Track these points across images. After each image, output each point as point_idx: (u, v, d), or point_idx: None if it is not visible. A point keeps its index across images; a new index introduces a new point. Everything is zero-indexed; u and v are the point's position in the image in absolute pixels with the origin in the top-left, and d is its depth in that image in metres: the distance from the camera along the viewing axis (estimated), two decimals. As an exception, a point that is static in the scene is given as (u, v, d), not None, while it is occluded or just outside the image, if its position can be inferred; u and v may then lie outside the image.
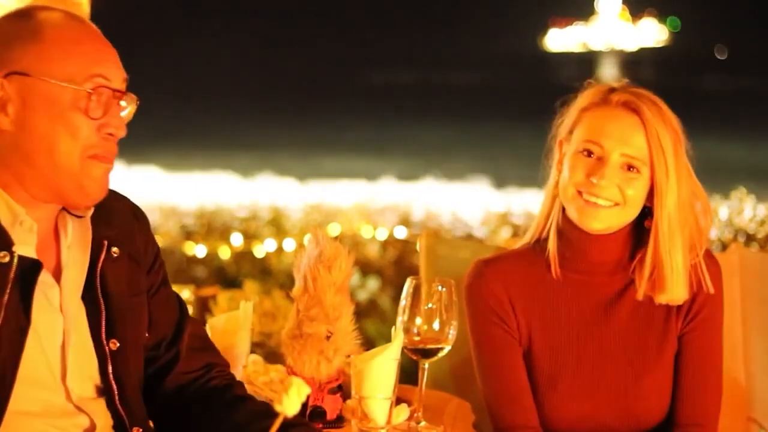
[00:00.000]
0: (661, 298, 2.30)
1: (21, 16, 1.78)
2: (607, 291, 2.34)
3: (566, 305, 2.34)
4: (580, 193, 2.26)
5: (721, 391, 2.35)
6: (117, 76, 1.80)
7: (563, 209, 2.33)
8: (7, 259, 1.72)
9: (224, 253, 6.40)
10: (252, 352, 2.52)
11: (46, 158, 1.75)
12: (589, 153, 2.27)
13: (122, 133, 1.80)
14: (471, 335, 2.37)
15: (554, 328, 2.34)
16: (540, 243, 2.38)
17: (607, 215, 2.26)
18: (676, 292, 2.29)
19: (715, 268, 2.36)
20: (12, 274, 1.72)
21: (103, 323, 1.84)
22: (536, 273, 2.36)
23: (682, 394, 2.33)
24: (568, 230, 2.33)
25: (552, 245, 2.34)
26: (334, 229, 6.44)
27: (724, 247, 4.90)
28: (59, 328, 1.79)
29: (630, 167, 2.25)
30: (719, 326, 2.37)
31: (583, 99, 2.32)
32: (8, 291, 1.71)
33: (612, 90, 2.30)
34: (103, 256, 1.85)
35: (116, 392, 1.84)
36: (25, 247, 1.75)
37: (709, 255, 2.37)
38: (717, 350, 2.36)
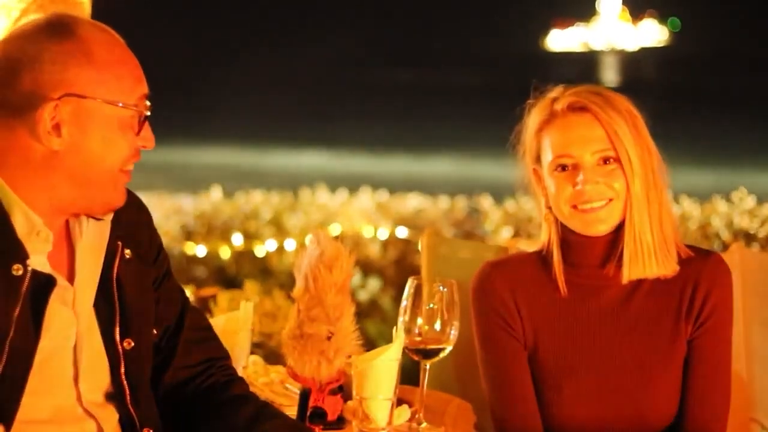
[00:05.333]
0: (632, 274, 2.29)
1: (64, 33, 1.76)
2: (614, 296, 2.33)
3: (572, 310, 2.33)
4: (575, 207, 2.27)
5: (730, 396, 2.34)
6: (147, 92, 1.83)
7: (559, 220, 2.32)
8: (20, 272, 1.72)
9: (224, 253, 6.40)
10: (252, 352, 2.51)
11: (90, 176, 1.77)
12: (564, 167, 2.27)
13: (153, 145, 1.84)
14: (476, 338, 2.37)
15: (560, 333, 2.33)
16: (547, 251, 2.37)
17: (607, 214, 2.26)
18: (647, 268, 2.28)
19: (726, 273, 2.35)
20: (24, 288, 1.72)
21: (118, 323, 1.84)
22: (543, 277, 2.35)
23: (690, 399, 2.32)
24: (568, 236, 2.32)
25: (556, 257, 2.33)
26: (335, 229, 6.43)
27: (726, 247, 4.90)
28: (72, 330, 1.79)
29: (605, 161, 2.26)
30: (729, 331, 2.36)
31: (532, 121, 2.33)
32: (20, 304, 1.71)
33: (554, 100, 2.30)
34: (118, 259, 1.85)
35: (128, 392, 1.85)
36: (39, 257, 1.75)
37: (719, 260, 2.36)
38: (726, 355, 2.35)
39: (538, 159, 2.33)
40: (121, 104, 1.77)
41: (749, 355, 2.68)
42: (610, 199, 2.26)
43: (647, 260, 2.27)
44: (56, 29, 1.76)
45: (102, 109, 1.76)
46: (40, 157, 1.75)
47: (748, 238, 5.28)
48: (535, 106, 2.33)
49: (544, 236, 2.36)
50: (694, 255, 2.34)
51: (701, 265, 2.33)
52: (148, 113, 1.82)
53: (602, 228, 2.28)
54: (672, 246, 2.30)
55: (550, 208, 2.33)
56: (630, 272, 2.29)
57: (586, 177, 2.25)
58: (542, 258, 2.37)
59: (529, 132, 2.33)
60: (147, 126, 1.82)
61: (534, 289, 2.35)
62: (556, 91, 2.32)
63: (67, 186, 1.77)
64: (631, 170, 2.25)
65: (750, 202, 5.45)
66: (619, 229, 2.29)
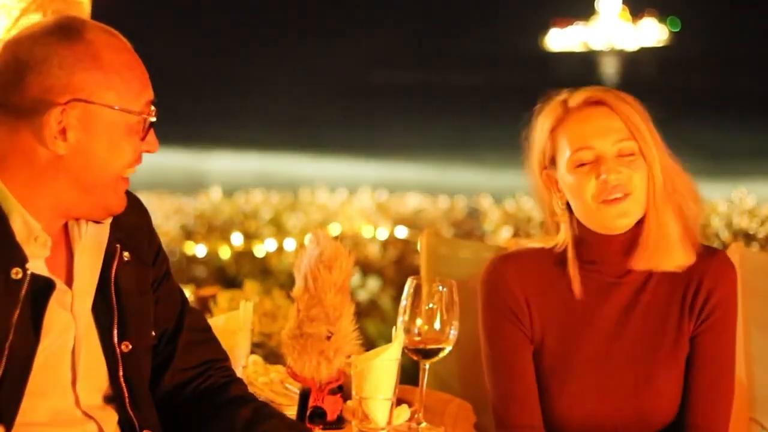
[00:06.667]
0: (664, 266, 2.29)
1: (73, 37, 1.75)
2: (621, 294, 2.33)
3: (581, 306, 2.34)
4: (604, 201, 2.26)
5: (733, 394, 2.35)
6: (152, 96, 1.83)
7: (576, 220, 2.32)
8: (19, 275, 1.71)
9: (224, 253, 6.40)
10: (252, 352, 2.51)
11: (94, 180, 1.77)
12: (584, 162, 2.27)
13: (157, 149, 1.85)
14: (483, 330, 2.37)
15: (567, 329, 2.33)
16: (562, 250, 2.36)
17: (630, 205, 2.26)
18: (676, 258, 2.29)
19: (731, 271, 2.36)
20: (23, 292, 1.71)
21: (116, 326, 1.84)
22: (554, 273, 2.35)
23: (692, 397, 2.32)
24: (585, 235, 2.32)
25: (571, 256, 2.33)
26: (334, 229, 6.44)
27: (725, 247, 4.90)
28: (71, 334, 1.79)
29: (627, 153, 2.26)
30: (732, 330, 2.36)
31: (543, 124, 2.33)
32: (18, 308, 1.71)
33: (565, 100, 2.31)
34: (116, 262, 1.85)
35: (127, 395, 1.85)
36: (36, 261, 1.75)
37: (725, 258, 2.37)
38: (729, 353, 2.35)
39: (552, 161, 2.32)
40: (127, 110, 1.77)
41: (748, 355, 2.69)
42: (628, 194, 2.26)
43: (673, 251, 2.28)
44: (65, 32, 1.75)
45: (109, 115, 1.76)
46: (44, 161, 1.75)
47: (748, 238, 5.28)
48: (544, 110, 2.33)
49: (561, 237, 2.35)
50: (700, 252, 2.34)
51: (707, 262, 2.33)
52: (154, 119, 1.82)
53: (625, 222, 2.27)
54: (695, 235, 2.32)
55: (566, 207, 2.32)
56: (649, 263, 2.29)
57: (609, 167, 2.24)
58: (554, 255, 2.36)
59: (541, 135, 2.32)
60: (152, 131, 1.83)
61: (544, 283, 2.35)
62: (564, 93, 2.32)
63: (69, 190, 1.77)
64: (654, 159, 2.26)
65: (749, 202, 5.45)
66: (636, 225, 2.29)
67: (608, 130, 2.26)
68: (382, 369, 2.01)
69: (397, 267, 6.35)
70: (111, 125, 1.76)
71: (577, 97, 2.30)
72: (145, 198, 2.03)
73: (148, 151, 1.83)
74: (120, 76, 1.76)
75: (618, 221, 2.27)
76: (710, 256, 2.35)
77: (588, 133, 2.26)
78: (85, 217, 1.82)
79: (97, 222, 1.84)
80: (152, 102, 1.82)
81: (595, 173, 2.25)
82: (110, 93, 1.75)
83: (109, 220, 1.85)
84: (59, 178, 1.76)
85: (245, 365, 2.41)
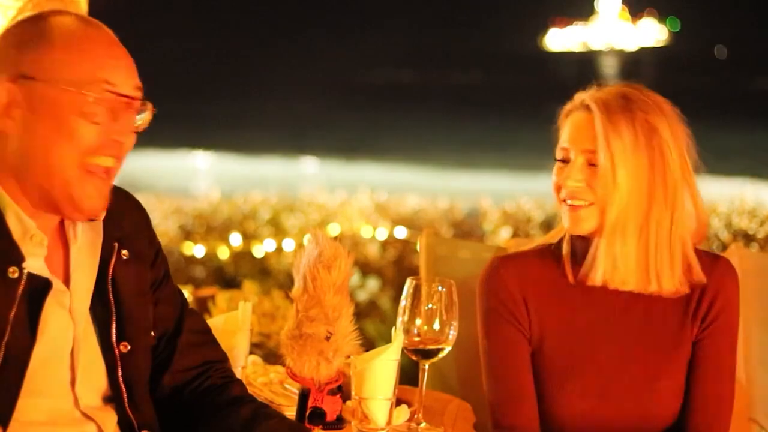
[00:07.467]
0: (606, 281, 2.28)
1: (34, 19, 1.76)
2: (622, 295, 2.32)
3: (580, 306, 2.34)
4: (564, 200, 2.29)
5: (734, 399, 2.34)
6: (126, 82, 1.76)
7: None
8: (16, 275, 1.71)
9: (223, 253, 6.40)
10: (251, 352, 2.51)
11: (42, 164, 1.72)
12: (563, 160, 2.30)
13: (128, 140, 1.77)
14: (481, 330, 2.37)
15: (567, 329, 2.33)
16: (558, 244, 2.38)
17: (588, 215, 2.26)
18: (624, 281, 2.27)
19: (733, 278, 2.35)
20: (20, 291, 1.71)
21: (114, 326, 1.84)
22: (553, 273, 2.35)
23: (693, 401, 2.32)
24: (572, 235, 2.33)
25: (566, 249, 2.34)
26: (333, 229, 6.43)
27: (724, 247, 4.90)
28: (69, 334, 1.79)
29: (593, 164, 2.26)
30: (735, 334, 2.36)
31: (563, 112, 2.35)
32: (15, 307, 1.70)
33: (581, 96, 2.32)
34: (113, 260, 1.84)
35: (126, 396, 1.84)
36: (34, 260, 1.74)
37: (728, 264, 2.36)
38: (731, 359, 2.35)
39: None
40: (70, 87, 1.71)
41: (747, 356, 2.69)
42: (592, 203, 2.26)
43: (631, 272, 2.25)
44: (32, 17, 1.76)
45: (51, 92, 1.71)
46: (8, 149, 1.73)
47: (748, 238, 5.28)
48: (572, 99, 2.35)
49: (559, 227, 2.37)
50: (702, 259, 2.34)
51: (710, 269, 2.33)
52: (125, 100, 1.75)
53: (584, 227, 2.27)
54: (677, 265, 2.28)
55: None
56: (604, 278, 2.27)
57: (568, 173, 2.27)
58: (552, 252, 2.37)
59: (559, 122, 2.35)
60: (124, 117, 1.76)
61: (543, 284, 2.35)
62: (590, 88, 2.33)
63: (30, 178, 1.73)
64: (613, 181, 2.22)
65: (749, 202, 5.45)
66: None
67: (580, 139, 2.27)
68: (381, 369, 2.00)
69: (396, 267, 6.35)
70: (54, 103, 1.71)
71: (581, 98, 2.30)
72: (143, 198, 2.02)
73: (118, 139, 1.76)
74: (68, 53, 1.72)
75: (574, 225, 2.28)
76: (713, 262, 2.35)
77: (568, 136, 2.29)
78: (61, 214, 1.79)
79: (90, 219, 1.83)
80: (139, 88, 1.77)
81: (561, 174, 2.29)
82: (55, 70, 1.71)
83: (102, 216, 1.83)
84: (19, 165, 1.73)
85: (244, 365, 2.41)
